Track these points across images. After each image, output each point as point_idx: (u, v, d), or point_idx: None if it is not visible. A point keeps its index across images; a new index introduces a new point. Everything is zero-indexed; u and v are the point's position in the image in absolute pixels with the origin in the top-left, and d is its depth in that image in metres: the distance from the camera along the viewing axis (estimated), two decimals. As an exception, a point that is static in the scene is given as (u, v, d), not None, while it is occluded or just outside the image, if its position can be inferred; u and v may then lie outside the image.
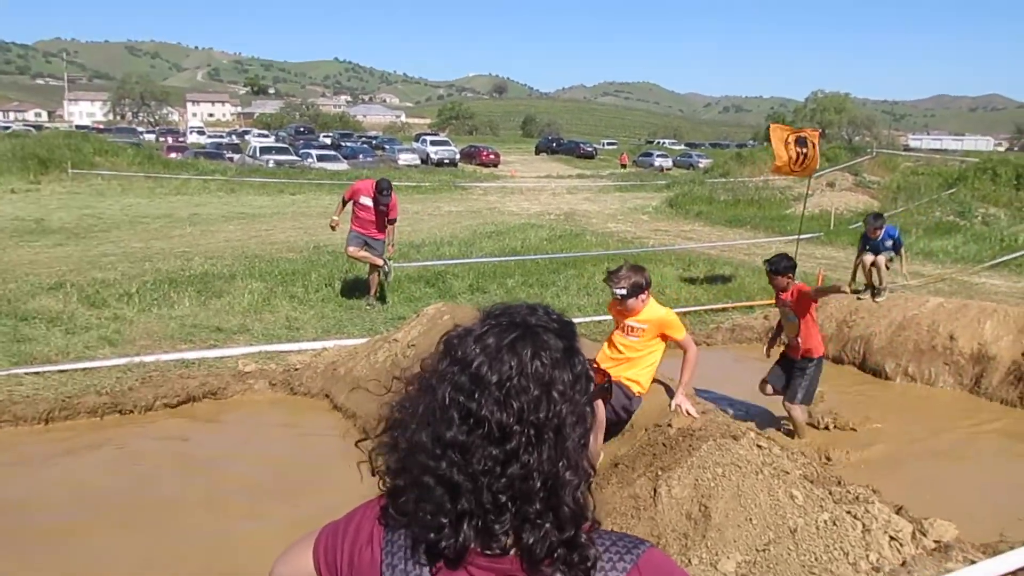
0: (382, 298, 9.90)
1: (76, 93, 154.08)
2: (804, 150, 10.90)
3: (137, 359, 7.12)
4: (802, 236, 13.11)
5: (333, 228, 9.86)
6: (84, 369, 6.87)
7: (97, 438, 6.03)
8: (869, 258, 8.94)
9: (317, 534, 1.23)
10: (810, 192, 12.99)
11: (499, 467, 1.01)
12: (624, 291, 4.71)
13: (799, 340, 6.25)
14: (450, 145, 48.05)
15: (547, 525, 1.02)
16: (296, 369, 7.21)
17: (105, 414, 6.33)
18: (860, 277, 9.40)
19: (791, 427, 6.38)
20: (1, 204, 18.84)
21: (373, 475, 1.16)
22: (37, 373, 6.72)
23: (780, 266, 6.25)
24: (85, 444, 5.92)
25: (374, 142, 54.15)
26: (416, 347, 6.34)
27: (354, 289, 10.23)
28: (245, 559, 4.32)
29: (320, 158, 35.86)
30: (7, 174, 23.83)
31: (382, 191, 9.30)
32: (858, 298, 9.10)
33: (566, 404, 1.04)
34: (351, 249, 9.56)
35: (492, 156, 46.97)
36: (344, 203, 9.75)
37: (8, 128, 53.52)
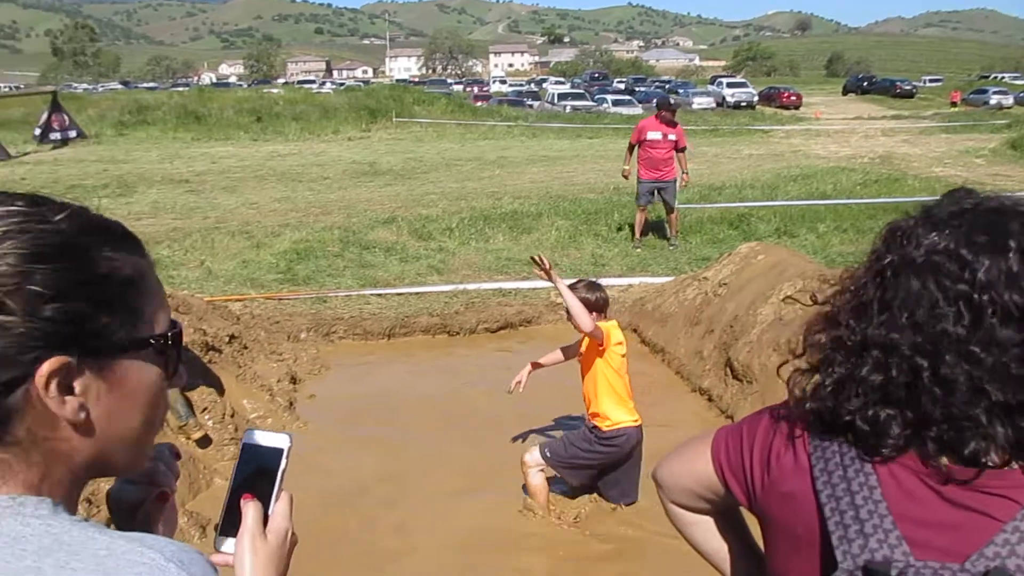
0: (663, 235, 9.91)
1: (395, 50, 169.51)
2: None
3: (461, 287, 7.76)
4: None
5: (626, 177, 9.94)
6: (417, 293, 7.64)
7: (430, 354, 6.71)
8: None
9: (711, 437, 1.20)
10: None
11: (990, 359, 0.91)
12: None
13: None
14: (747, 87, 45.76)
15: None
16: (604, 303, 7.41)
17: (436, 334, 7.01)
18: None
19: None
20: (341, 150, 21.45)
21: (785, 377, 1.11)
22: (379, 295, 7.60)
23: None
24: (420, 358, 6.61)
25: (667, 86, 53.30)
26: (728, 286, 6.19)
27: (654, 229, 10.23)
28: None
29: (615, 103, 36.11)
30: (344, 124, 27.05)
31: (663, 105, 9.22)
32: None
33: None
34: (639, 215, 9.59)
35: (793, 98, 43.97)
36: (632, 149, 9.70)
37: (343, 84, 60.38)
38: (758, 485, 1.11)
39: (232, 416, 5.08)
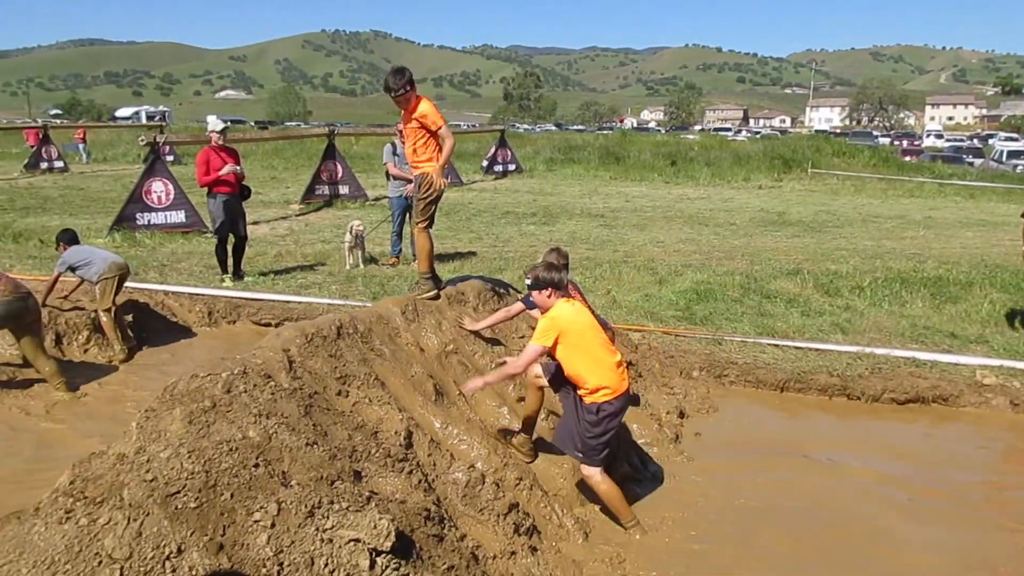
0: None
1: (818, 100, 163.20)
2: None
3: (867, 349, 7.20)
4: None
5: None
6: (817, 350, 7.28)
7: (829, 414, 6.36)
8: None
9: None
10: None
11: None
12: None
13: None
14: None
15: None
16: (1049, 393, 6.32)
17: (834, 395, 6.62)
18: None
19: None
20: (749, 197, 21.30)
21: None
22: (776, 346, 7.39)
23: None
24: (814, 418, 6.30)
25: None
26: None
27: None
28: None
29: (1084, 165, 30.51)
30: (756, 172, 26.88)
31: None
32: None
33: None
34: None
35: None
36: None
37: (759, 133, 59.98)
38: None
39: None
